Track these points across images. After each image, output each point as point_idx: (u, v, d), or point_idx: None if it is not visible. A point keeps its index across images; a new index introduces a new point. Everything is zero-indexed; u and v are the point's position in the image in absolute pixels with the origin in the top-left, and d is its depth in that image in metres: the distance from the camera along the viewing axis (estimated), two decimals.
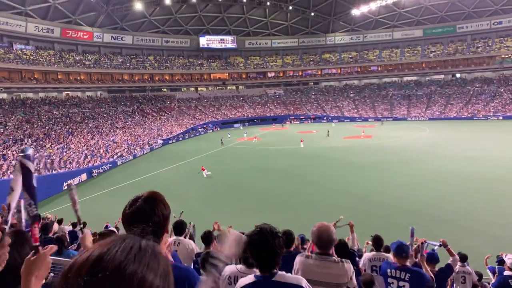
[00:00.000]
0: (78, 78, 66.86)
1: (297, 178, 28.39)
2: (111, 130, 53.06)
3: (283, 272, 2.30)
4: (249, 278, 2.36)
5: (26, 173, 1.81)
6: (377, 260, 6.01)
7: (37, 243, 1.72)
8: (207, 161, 37.56)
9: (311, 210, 19.66)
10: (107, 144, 45.14)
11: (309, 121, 79.38)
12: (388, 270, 4.76)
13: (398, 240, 4.91)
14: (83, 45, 70.56)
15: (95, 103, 64.69)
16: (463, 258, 8.02)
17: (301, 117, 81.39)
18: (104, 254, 0.88)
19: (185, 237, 6.15)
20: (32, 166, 1.83)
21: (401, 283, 4.61)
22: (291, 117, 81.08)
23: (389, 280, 4.73)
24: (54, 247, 1.79)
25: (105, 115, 60.20)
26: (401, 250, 4.72)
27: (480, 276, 9.04)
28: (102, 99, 68.26)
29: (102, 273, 0.84)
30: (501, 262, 8.44)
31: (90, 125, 52.64)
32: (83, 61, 67.99)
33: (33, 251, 1.69)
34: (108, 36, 73.17)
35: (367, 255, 6.24)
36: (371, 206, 20.28)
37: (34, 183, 1.83)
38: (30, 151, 1.83)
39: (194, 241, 7.01)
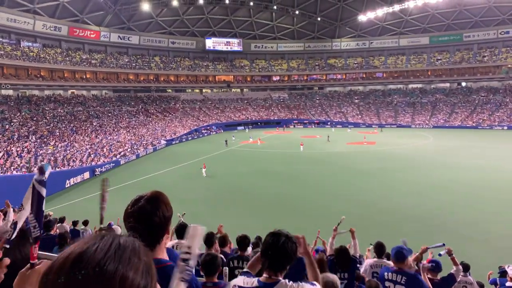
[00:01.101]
0: (84, 77, 67.19)
1: (300, 183, 28.36)
2: (115, 130, 53.22)
3: (286, 280, 2.29)
4: (253, 282, 2.37)
5: (37, 198, 1.82)
6: (378, 267, 5.99)
7: (35, 261, 1.71)
8: (210, 163, 37.56)
9: (313, 215, 19.61)
10: (110, 143, 45.26)
11: (313, 126, 79.29)
12: (386, 274, 4.78)
13: (398, 245, 4.90)
14: (90, 44, 70.94)
15: (100, 102, 64.93)
16: (466, 268, 7.97)
17: (305, 121, 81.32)
18: (83, 253, 0.87)
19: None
20: (44, 192, 1.84)
21: (397, 287, 4.59)
22: (294, 121, 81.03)
23: (386, 283, 4.72)
24: (47, 262, 1.78)
25: (109, 114, 60.40)
26: (399, 254, 4.72)
27: (481, 286, 8.98)
28: (107, 98, 68.51)
29: (82, 273, 0.82)
30: (503, 273, 8.38)
31: (94, 124, 52.83)
32: (90, 60, 68.35)
33: (29, 266, 1.68)
34: (115, 36, 73.54)
35: (368, 261, 6.22)
36: (373, 213, 20.21)
37: (43, 207, 1.85)
38: (48, 171, 1.84)
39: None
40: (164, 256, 1.97)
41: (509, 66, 75.97)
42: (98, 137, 46.99)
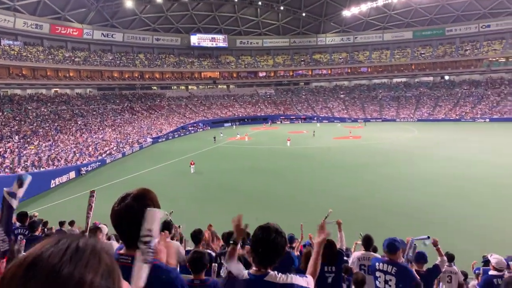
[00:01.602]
0: (67, 75, 66.15)
1: (286, 179, 28.48)
2: (100, 128, 52.61)
3: (275, 272, 2.32)
4: (243, 275, 2.41)
5: (7, 210, 1.79)
6: (366, 259, 6.07)
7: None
8: (198, 160, 37.45)
9: (300, 210, 19.74)
10: (96, 142, 44.75)
11: (300, 121, 79.60)
12: (377, 264, 4.84)
13: (390, 237, 4.97)
14: (73, 42, 69.80)
15: (84, 100, 64.07)
16: (450, 258, 8.15)
17: (292, 117, 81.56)
18: (37, 258, 0.84)
19: (172, 238, 6.14)
20: (15, 204, 1.81)
21: (387, 277, 4.68)
22: (281, 117, 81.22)
23: (377, 274, 4.79)
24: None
25: (94, 113, 59.66)
26: (392, 246, 4.79)
27: (465, 275, 9.20)
28: (91, 96, 67.64)
29: (36, 279, 0.80)
30: (486, 262, 8.59)
31: (79, 123, 52.13)
32: (73, 58, 67.28)
33: None
34: (98, 33, 72.49)
35: (356, 254, 6.29)
36: (359, 207, 20.42)
37: (12, 220, 1.81)
38: (26, 182, 1.82)
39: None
40: None
41: (490, 59, 77.32)
42: (83, 136, 46.39)
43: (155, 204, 1.92)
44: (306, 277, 2.39)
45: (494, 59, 77.28)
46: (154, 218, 1.73)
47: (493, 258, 5.88)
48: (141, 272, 1.64)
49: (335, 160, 34.84)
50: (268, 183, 27.19)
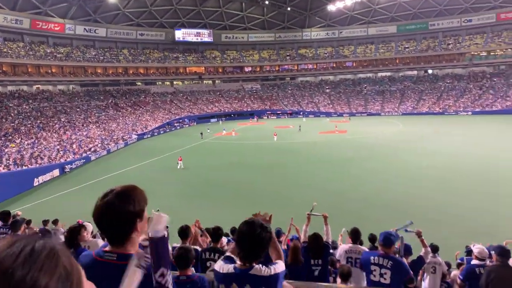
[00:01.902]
0: (49, 71, 64.92)
1: (273, 174, 28.57)
2: (84, 125, 51.88)
3: (260, 265, 2.33)
4: (229, 268, 2.42)
5: None
6: (353, 252, 6.11)
7: None
8: (184, 156, 37.29)
9: (286, 205, 19.80)
10: (80, 139, 44.13)
11: (286, 116, 79.77)
12: (372, 257, 4.87)
13: (385, 231, 5.02)
14: (54, 37, 68.47)
15: (67, 97, 63.03)
16: (435, 249, 8.29)
17: (278, 112, 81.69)
18: None
19: None
20: None
21: (383, 270, 4.73)
22: (268, 112, 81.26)
23: (372, 267, 4.83)
24: None
25: (78, 109, 58.77)
26: (387, 240, 4.84)
27: (448, 266, 9.37)
28: (74, 93, 66.57)
29: None
30: (469, 252, 8.76)
31: (63, 120, 51.29)
32: (55, 54, 66.06)
33: None
34: (81, 28, 71.25)
35: (343, 246, 6.33)
36: (345, 201, 20.62)
37: None
38: None
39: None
40: (134, 250, 1.89)
41: (472, 53, 78.57)
42: (67, 133, 45.69)
43: (139, 201, 1.86)
44: (278, 262, 2.44)
45: (476, 53, 78.59)
46: (159, 222, 1.71)
47: (476, 248, 5.99)
48: (134, 277, 1.59)
49: (321, 155, 35.07)
50: (255, 178, 27.23)
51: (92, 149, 41.50)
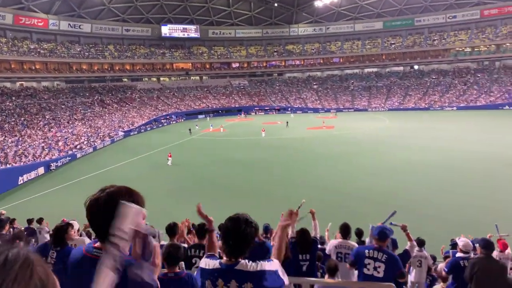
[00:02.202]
0: (33, 68, 63.84)
1: (262, 170, 28.63)
2: (70, 122, 51.18)
3: (246, 261, 2.34)
4: (214, 264, 2.44)
5: None
6: (342, 248, 6.16)
7: None
8: (172, 153, 37.13)
9: (275, 201, 19.88)
10: (65, 137, 43.54)
11: (274, 112, 79.84)
12: (366, 251, 4.93)
13: (379, 225, 5.08)
14: (38, 33, 67.21)
15: (52, 94, 62.06)
16: (421, 243, 8.43)
17: (266, 108, 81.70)
18: None
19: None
20: None
21: (377, 264, 4.80)
22: (255, 108, 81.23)
23: (366, 261, 4.88)
24: None
25: (63, 106, 57.93)
26: (383, 234, 4.90)
27: (434, 259, 9.55)
28: (59, 89, 65.58)
29: None
30: (454, 245, 8.92)
31: (47, 117, 50.52)
32: (38, 50, 64.88)
33: None
34: (65, 24, 70.07)
35: (333, 242, 6.39)
36: (333, 196, 20.77)
37: None
38: None
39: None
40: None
41: (457, 49, 79.61)
42: (51, 131, 45.04)
43: (138, 203, 1.83)
44: (272, 260, 2.43)
45: (460, 49, 79.65)
46: (128, 214, 1.58)
47: (460, 241, 6.11)
48: (104, 278, 1.43)
49: (309, 151, 35.22)
50: (244, 175, 27.25)
51: (78, 147, 41.00)
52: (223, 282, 2.35)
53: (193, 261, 5.29)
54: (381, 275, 4.73)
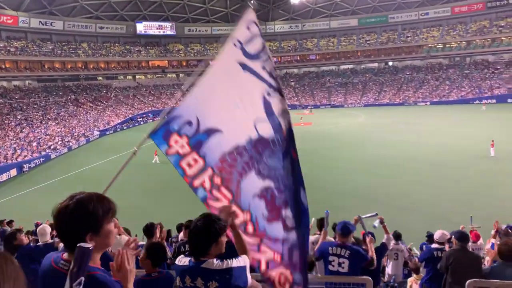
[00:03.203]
0: (3, 66, 61.68)
1: None
2: (43, 122, 49.86)
3: (213, 259, 2.36)
4: (185, 261, 2.48)
5: None
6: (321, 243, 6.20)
7: None
8: (149, 152, 36.64)
9: None
10: (38, 137, 42.43)
11: None
12: (330, 248, 4.96)
13: (342, 220, 5.12)
14: (7, 31, 64.98)
15: (23, 93, 60.27)
16: (397, 236, 8.65)
17: None
18: None
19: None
20: None
21: (341, 260, 4.83)
22: None
23: (330, 258, 4.91)
24: None
25: (35, 106, 56.37)
26: (345, 229, 4.95)
27: (410, 251, 9.83)
28: (31, 89, 63.77)
29: None
30: (430, 237, 9.18)
31: (19, 117, 49.07)
32: (8, 48, 62.79)
33: None
34: (36, 21, 68.00)
35: (310, 238, 6.41)
36: (311, 191, 20.92)
37: None
38: None
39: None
40: (92, 262, 1.76)
41: (430, 45, 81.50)
42: (23, 131, 43.79)
43: (92, 207, 1.73)
44: (240, 257, 2.46)
45: (433, 45, 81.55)
46: (83, 256, 1.59)
47: (437, 233, 6.31)
48: None
49: None
50: None
51: (52, 147, 40.03)
52: (190, 279, 2.37)
53: None
54: (346, 270, 4.78)
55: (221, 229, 2.41)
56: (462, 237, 5.27)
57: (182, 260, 2.49)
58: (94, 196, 1.78)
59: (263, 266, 3.54)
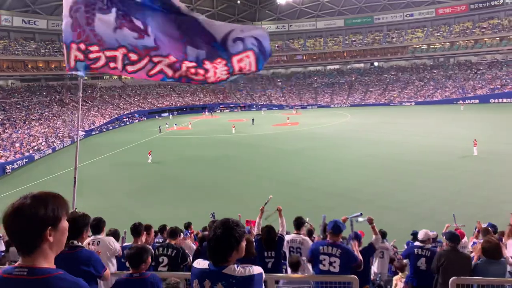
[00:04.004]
0: None
1: (228, 167, 28.58)
2: (26, 122, 49.02)
3: (235, 265, 2.34)
4: (204, 264, 2.43)
5: None
6: (294, 242, 6.21)
7: None
8: (135, 152, 36.41)
9: (242, 198, 19.94)
10: (22, 138, 41.69)
11: (239, 110, 79.86)
12: (321, 247, 4.94)
13: (333, 220, 5.12)
14: None
15: (6, 93, 59.19)
16: (383, 235, 8.75)
17: (231, 105, 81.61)
18: None
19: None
20: None
21: (332, 259, 4.83)
22: (221, 106, 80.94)
23: (321, 257, 4.90)
24: None
25: (18, 106, 55.42)
26: (336, 228, 4.95)
27: (394, 248, 9.96)
28: (14, 88, 62.70)
29: None
30: (414, 236, 9.32)
31: (1, 117, 48.17)
32: None
33: None
34: (19, 20, 66.76)
35: (286, 236, 6.40)
36: (299, 191, 21.07)
37: None
38: None
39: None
40: (47, 264, 1.70)
41: (414, 46, 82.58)
42: (6, 132, 42.98)
43: (55, 208, 1.69)
44: (256, 266, 2.45)
45: (417, 46, 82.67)
46: None
47: (420, 232, 6.39)
48: None
49: (276, 147, 35.49)
50: (211, 172, 27.08)
51: (36, 148, 39.38)
52: (210, 283, 2.34)
53: (160, 259, 5.30)
54: (337, 270, 4.79)
55: (240, 236, 2.38)
56: (452, 237, 5.33)
57: (201, 263, 2.45)
58: (47, 193, 1.74)
59: (169, 73, 4.90)
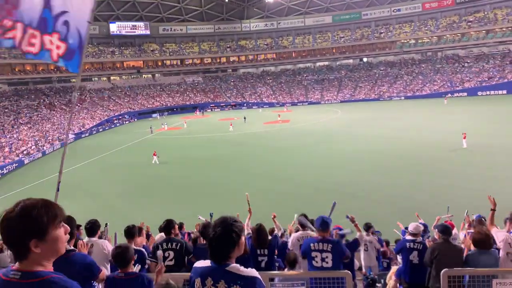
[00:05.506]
0: None
1: (221, 166, 28.57)
2: (15, 127, 48.46)
3: (238, 265, 2.35)
4: (206, 263, 2.44)
5: None
6: (303, 239, 6.26)
7: None
8: (126, 154, 36.24)
9: (235, 197, 19.93)
10: (10, 142, 41.23)
11: (230, 109, 79.75)
12: (311, 244, 4.96)
13: (319, 216, 5.16)
14: None
15: None
16: (368, 227, 8.91)
17: (222, 104, 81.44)
18: None
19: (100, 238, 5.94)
20: None
21: (324, 254, 4.86)
22: (211, 105, 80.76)
23: (313, 254, 4.92)
24: None
25: (6, 110, 54.72)
26: (324, 224, 4.99)
27: (387, 243, 10.07)
28: (1, 92, 61.94)
29: None
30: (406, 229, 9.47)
31: None
32: None
33: None
34: None
35: (295, 235, 6.42)
36: (292, 187, 21.16)
37: None
38: None
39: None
40: (42, 268, 1.72)
41: (402, 41, 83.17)
42: None
43: (35, 215, 1.68)
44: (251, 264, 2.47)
45: (405, 41, 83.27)
46: None
47: (411, 225, 6.48)
48: None
49: (268, 144, 35.56)
50: (204, 172, 27.07)
51: (25, 152, 38.99)
52: (212, 281, 2.34)
53: (166, 254, 5.32)
54: (330, 264, 4.83)
55: (240, 231, 2.40)
56: (444, 230, 5.40)
57: (203, 262, 2.47)
58: (39, 202, 1.73)
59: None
